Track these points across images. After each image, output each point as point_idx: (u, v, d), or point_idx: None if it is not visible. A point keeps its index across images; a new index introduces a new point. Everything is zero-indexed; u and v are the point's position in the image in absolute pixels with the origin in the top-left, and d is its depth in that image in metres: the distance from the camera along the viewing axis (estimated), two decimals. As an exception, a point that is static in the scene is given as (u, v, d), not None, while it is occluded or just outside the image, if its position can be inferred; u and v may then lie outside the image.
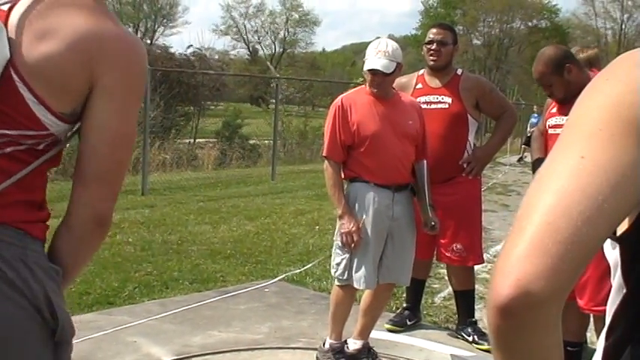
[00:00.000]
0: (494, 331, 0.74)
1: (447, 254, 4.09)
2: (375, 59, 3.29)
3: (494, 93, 4.27)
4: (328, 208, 8.57)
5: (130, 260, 5.56)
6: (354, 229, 3.30)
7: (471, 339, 4.13)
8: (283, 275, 5.30)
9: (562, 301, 0.72)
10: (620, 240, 0.84)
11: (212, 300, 4.62)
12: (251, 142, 20.97)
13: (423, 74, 4.13)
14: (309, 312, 4.50)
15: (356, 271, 3.38)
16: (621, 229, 0.83)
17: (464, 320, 4.21)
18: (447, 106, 4.01)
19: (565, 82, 3.28)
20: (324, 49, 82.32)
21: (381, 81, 3.34)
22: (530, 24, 51.41)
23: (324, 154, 3.45)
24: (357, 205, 3.39)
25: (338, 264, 3.44)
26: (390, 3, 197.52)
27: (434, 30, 4.08)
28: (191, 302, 4.55)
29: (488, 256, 6.58)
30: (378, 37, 3.69)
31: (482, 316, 4.63)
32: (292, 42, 67.06)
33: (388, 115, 3.40)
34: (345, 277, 3.42)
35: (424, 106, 3.97)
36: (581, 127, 0.78)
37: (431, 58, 4.02)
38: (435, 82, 4.06)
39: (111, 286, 4.82)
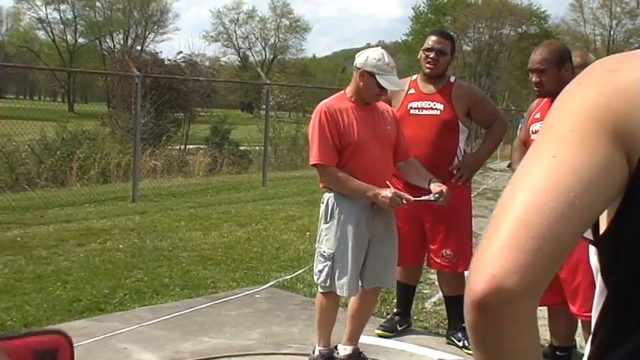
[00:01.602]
0: (471, 328, 0.76)
1: (437, 260, 4.11)
2: (396, 78, 3.40)
3: (485, 102, 4.31)
4: (319, 214, 8.59)
5: (121, 267, 5.55)
6: (391, 192, 3.31)
7: (461, 344, 4.15)
8: (274, 281, 5.31)
9: (536, 297, 0.74)
10: (598, 243, 0.86)
11: (203, 306, 4.62)
12: (241, 148, 20.98)
13: (415, 80, 4.13)
14: (300, 318, 4.51)
15: (338, 278, 3.41)
16: (600, 230, 0.85)
17: (454, 325, 4.23)
18: (438, 112, 4.03)
19: (558, 78, 3.30)
20: (314, 56, 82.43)
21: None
22: (519, 30, 51.76)
23: (315, 162, 3.39)
24: (337, 213, 3.41)
25: (320, 271, 3.47)
26: (381, 9, 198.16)
27: (434, 38, 4.04)
28: (182, 308, 4.55)
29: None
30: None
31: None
32: (283, 48, 67.23)
33: (369, 120, 3.45)
34: (327, 285, 3.45)
35: (416, 112, 4.00)
36: (554, 129, 0.81)
37: (428, 65, 4.01)
38: (427, 88, 4.07)
39: (101, 293, 4.81)
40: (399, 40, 59.85)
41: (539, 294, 0.74)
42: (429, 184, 3.53)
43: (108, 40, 62.22)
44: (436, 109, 4.03)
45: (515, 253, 0.72)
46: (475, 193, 12.05)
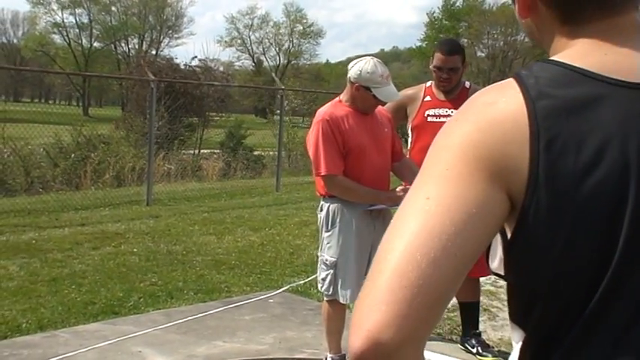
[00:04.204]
0: None
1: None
2: (391, 89, 3.39)
3: None
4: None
5: (135, 270, 5.57)
6: (400, 192, 3.32)
7: (475, 351, 4.13)
8: (287, 286, 5.30)
9: (418, 348, 0.72)
10: (510, 280, 0.85)
11: (217, 310, 4.63)
12: (255, 153, 21.01)
13: (430, 86, 4.09)
14: (314, 323, 4.50)
15: (341, 286, 3.41)
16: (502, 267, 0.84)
17: (468, 332, 4.21)
18: None
19: None
20: (328, 61, 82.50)
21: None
22: (534, 37, 51.59)
23: (325, 173, 3.34)
24: (339, 221, 3.41)
25: (323, 279, 3.47)
26: (397, 15, 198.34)
27: (442, 57, 3.89)
28: (196, 312, 4.55)
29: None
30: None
31: (486, 327, 4.63)
32: (297, 53, 67.39)
33: (367, 126, 3.45)
34: (331, 292, 3.45)
35: (433, 119, 3.96)
36: (430, 168, 0.79)
37: (442, 84, 3.94)
38: (443, 95, 4.03)
39: (116, 296, 4.83)
40: (414, 46, 59.90)
41: (420, 344, 0.72)
42: None
43: (123, 45, 62.75)
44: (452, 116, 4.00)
45: (389, 305, 0.70)
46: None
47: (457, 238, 0.73)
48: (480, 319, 4.81)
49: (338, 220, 3.40)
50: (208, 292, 5.06)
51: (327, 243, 3.44)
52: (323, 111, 3.43)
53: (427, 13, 57.02)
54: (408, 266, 0.71)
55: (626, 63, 0.79)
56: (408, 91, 4.13)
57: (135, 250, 6.34)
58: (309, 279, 5.50)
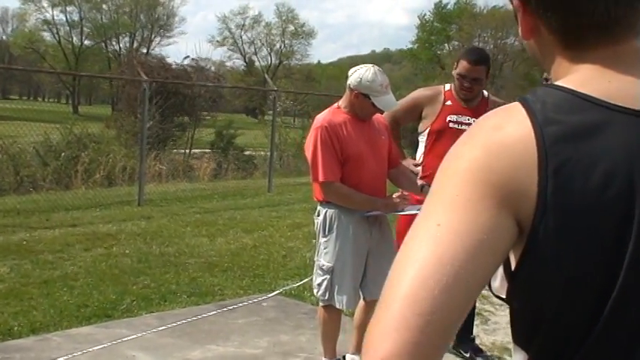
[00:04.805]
0: None
1: None
2: (390, 98, 3.38)
3: None
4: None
5: (128, 272, 5.54)
6: (396, 199, 3.35)
7: (468, 355, 4.13)
8: (281, 289, 5.29)
9: None
10: (512, 306, 0.85)
11: (210, 314, 4.61)
12: (246, 153, 20.98)
13: (450, 90, 3.96)
14: (308, 326, 4.49)
15: (337, 292, 3.41)
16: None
17: (462, 337, 4.21)
18: None
19: None
20: (319, 62, 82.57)
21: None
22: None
23: (323, 180, 3.34)
24: (336, 227, 3.40)
25: (319, 284, 3.47)
26: (388, 17, 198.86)
27: (468, 66, 3.78)
28: (189, 316, 4.53)
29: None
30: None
31: (479, 331, 4.64)
32: (288, 54, 67.35)
33: (365, 133, 3.45)
34: (326, 298, 3.45)
35: (455, 125, 3.86)
36: (440, 194, 0.79)
37: (463, 92, 3.86)
38: (464, 102, 3.93)
39: (109, 299, 4.80)
40: (405, 48, 60.02)
41: None
42: (421, 189, 3.54)
43: (114, 43, 62.45)
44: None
45: (401, 333, 0.70)
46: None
47: (468, 264, 0.73)
48: (473, 323, 4.83)
49: (335, 225, 3.39)
50: (202, 295, 5.04)
51: (324, 248, 3.44)
52: (321, 117, 3.42)
53: (418, 16, 57.21)
54: (420, 293, 0.71)
55: (630, 90, 0.80)
56: (426, 92, 4.03)
57: (127, 251, 6.30)
58: (303, 282, 5.49)
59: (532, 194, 0.76)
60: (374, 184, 3.42)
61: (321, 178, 3.33)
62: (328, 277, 3.41)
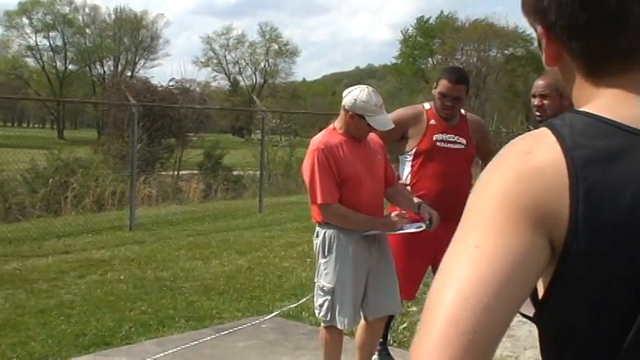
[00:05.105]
0: None
1: None
2: (385, 117, 3.42)
3: (488, 133, 4.35)
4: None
5: (124, 298, 5.52)
6: (395, 217, 3.37)
7: None
8: (279, 310, 5.28)
9: None
10: (537, 320, 0.88)
11: (210, 338, 4.60)
12: (234, 173, 20.96)
13: (431, 109, 3.98)
14: (308, 347, 4.48)
15: (339, 313, 3.42)
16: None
17: None
18: (463, 146, 3.98)
19: (559, 105, 3.35)
20: (304, 79, 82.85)
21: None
22: (506, 52, 52.35)
23: (321, 202, 3.35)
24: (335, 248, 3.42)
25: (321, 305, 3.48)
26: (371, 33, 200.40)
27: (449, 85, 3.85)
28: (189, 341, 4.51)
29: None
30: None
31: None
32: (273, 72, 67.57)
33: (361, 153, 3.47)
34: (328, 319, 3.45)
35: (442, 144, 3.91)
36: (475, 217, 0.83)
37: (445, 112, 3.91)
38: (448, 121, 3.97)
39: (106, 326, 4.78)
40: (389, 63, 60.44)
41: None
42: (418, 208, 3.56)
43: (98, 67, 62.38)
44: (460, 143, 3.98)
45: (445, 351, 0.73)
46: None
47: (507, 285, 0.76)
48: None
49: (334, 246, 3.41)
50: (200, 320, 5.02)
51: (324, 269, 3.45)
52: (318, 140, 3.44)
53: (401, 31, 57.51)
54: (462, 313, 0.74)
55: None
56: (408, 112, 4.05)
57: (122, 277, 6.28)
58: (300, 302, 5.49)
59: (564, 216, 0.79)
60: (372, 203, 3.45)
61: (319, 200, 3.35)
62: (329, 297, 3.42)
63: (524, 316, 0.92)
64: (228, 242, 8.42)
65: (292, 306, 5.40)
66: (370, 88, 3.45)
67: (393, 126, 3.50)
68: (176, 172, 19.98)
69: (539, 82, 3.51)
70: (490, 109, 41.74)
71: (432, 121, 3.95)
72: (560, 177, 0.80)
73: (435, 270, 4.08)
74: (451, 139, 3.97)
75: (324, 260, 3.45)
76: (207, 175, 18.30)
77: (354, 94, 3.38)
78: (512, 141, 0.90)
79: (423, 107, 4.03)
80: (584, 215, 0.78)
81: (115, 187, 13.56)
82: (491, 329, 0.75)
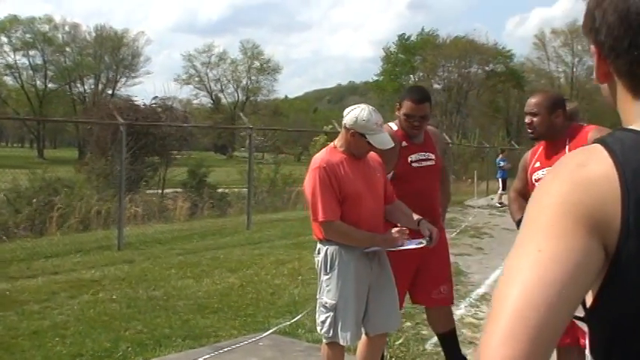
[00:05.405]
0: None
1: (435, 297, 4.17)
2: (385, 136, 3.47)
3: (446, 146, 4.49)
4: (308, 258, 8.57)
5: (118, 318, 5.49)
6: (395, 234, 3.39)
7: None
8: (275, 328, 5.28)
9: None
10: (588, 320, 0.96)
11: (207, 356, 4.58)
12: (219, 190, 20.91)
13: (399, 130, 4.03)
14: (306, 365, 4.49)
15: (342, 329, 3.44)
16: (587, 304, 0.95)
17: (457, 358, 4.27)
18: (433, 162, 4.07)
19: (548, 122, 3.46)
20: (286, 96, 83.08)
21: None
22: (486, 68, 53.01)
23: (323, 220, 3.39)
24: (337, 264, 3.45)
25: (323, 322, 3.49)
26: (353, 50, 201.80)
27: (413, 106, 3.94)
28: (187, 360, 4.50)
29: (471, 300, 6.67)
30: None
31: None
32: (255, 90, 67.71)
33: (362, 171, 3.51)
34: (331, 335, 3.47)
35: (417, 164, 4.00)
36: (536, 223, 0.91)
37: (414, 131, 4.00)
38: (415, 139, 4.06)
39: (103, 347, 4.74)
40: (370, 80, 60.83)
41: None
42: (418, 224, 3.61)
43: (78, 85, 62.05)
44: (431, 159, 4.08)
45: (513, 345, 0.81)
46: (458, 230, 12.17)
47: (569, 285, 0.84)
48: (467, 351, 4.88)
49: (337, 263, 3.43)
50: (196, 338, 5.01)
51: (327, 286, 3.47)
52: (319, 158, 3.48)
53: (383, 48, 58.01)
54: (528, 311, 0.82)
55: None
56: (389, 131, 4.09)
57: (114, 297, 6.24)
58: (296, 319, 5.50)
59: (616, 223, 0.87)
60: (372, 220, 3.49)
61: (321, 218, 3.38)
62: (332, 314, 3.44)
63: (576, 317, 0.98)
64: (219, 260, 8.41)
65: (288, 323, 5.41)
66: (371, 107, 3.50)
67: (393, 144, 3.56)
68: (160, 191, 19.91)
69: (530, 101, 3.61)
70: (472, 125, 42.14)
71: (404, 143, 3.99)
72: (613, 188, 0.88)
73: (413, 294, 4.14)
74: (423, 157, 4.08)
75: (326, 277, 3.47)
76: (192, 193, 18.25)
77: (354, 113, 3.42)
78: (567, 154, 0.99)
79: (391, 128, 4.03)
80: (635, 221, 0.86)
81: (100, 207, 13.50)
82: (554, 325, 0.83)
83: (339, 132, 3.62)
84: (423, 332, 5.38)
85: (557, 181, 0.92)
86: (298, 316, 5.58)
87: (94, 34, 61.95)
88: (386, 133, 3.48)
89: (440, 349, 4.92)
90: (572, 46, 57.44)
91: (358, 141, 3.43)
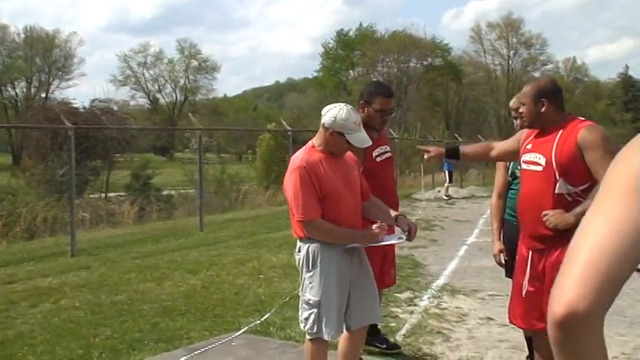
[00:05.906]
0: (553, 342, 0.97)
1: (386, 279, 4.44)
2: (363, 135, 3.55)
3: None
4: (266, 256, 8.64)
5: (85, 325, 5.42)
6: (376, 230, 3.48)
7: (384, 346, 4.73)
8: (246, 327, 5.31)
9: (602, 316, 0.96)
10: None
11: (183, 358, 4.58)
12: (164, 192, 20.68)
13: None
14: (282, 361, 4.55)
15: (325, 324, 3.51)
16: None
17: (371, 332, 4.44)
18: (390, 154, 4.30)
19: (534, 112, 3.41)
20: (225, 95, 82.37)
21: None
22: (425, 62, 53.88)
23: (303, 219, 3.45)
24: (320, 261, 3.53)
25: (306, 319, 3.56)
26: (289, 47, 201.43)
27: (386, 100, 4.18)
28: (163, 363, 4.50)
29: (432, 291, 6.85)
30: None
31: (444, 349, 4.84)
32: (193, 89, 66.87)
33: (340, 170, 3.60)
34: (315, 331, 3.54)
35: (380, 158, 4.20)
36: (613, 187, 1.03)
37: (382, 126, 4.25)
38: (373, 134, 4.09)
39: (75, 354, 4.69)
40: (310, 77, 60.97)
41: (604, 313, 0.96)
42: (396, 220, 3.73)
43: (9, 89, 59.90)
44: (388, 151, 4.31)
45: (585, 284, 0.94)
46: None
47: (636, 241, 0.97)
48: (435, 341, 5.05)
49: (319, 260, 3.51)
50: (168, 341, 5.00)
51: (310, 283, 3.54)
52: (299, 158, 3.54)
53: (322, 44, 58.21)
54: (600, 258, 0.95)
55: None
56: None
57: (77, 304, 6.14)
58: (264, 318, 5.55)
59: None
60: (352, 218, 3.58)
61: (303, 217, 3.45)
62: (315, 310, 3.51)
63: (638, 270, 1.12)
64: (177, 262, 8.36)
65: (258, 322, 5.45)
66: (349, 106, 3.58)
67: (371, 143, 3.65)
68: (104, 195, 19.54)
69: (522, 90, 3.61)
70: (412, 119, 42.78)
71: None
72: None
73: (380, 280, 4.28)
74: (383, 151, 4.29)
75: (308, 274, 3.54)
76: (138, 195, 17.98)
77: (333, 113, 3.50)
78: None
79: None
80: None
81: (46, 213, 13.19)
82: (621, 272, 0.95)
83: (284, 130, 3.70)
84: (392, 324, 5.51)
85: (634, 150, 1.03)
86: (267, 315, 5.63)
87: (23, 36, 59.92)
88: (364, 131, 3.57)
89: (410, 339, 5.08)
90: (507, 38, 59.06)
91: (337, 140, 3.51)
